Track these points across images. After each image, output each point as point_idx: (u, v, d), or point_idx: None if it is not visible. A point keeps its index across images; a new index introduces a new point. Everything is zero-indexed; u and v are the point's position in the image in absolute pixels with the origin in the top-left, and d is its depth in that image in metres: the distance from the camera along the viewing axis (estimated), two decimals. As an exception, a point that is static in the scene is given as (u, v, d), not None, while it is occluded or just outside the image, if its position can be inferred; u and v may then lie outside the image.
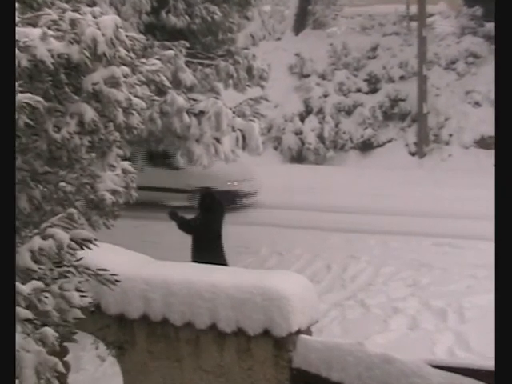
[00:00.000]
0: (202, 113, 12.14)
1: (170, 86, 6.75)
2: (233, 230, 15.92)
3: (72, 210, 4.79)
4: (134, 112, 5.31)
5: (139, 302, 7.36)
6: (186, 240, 12.11)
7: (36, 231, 4.54)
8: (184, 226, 12.00)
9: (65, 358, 8.28)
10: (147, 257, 8.15)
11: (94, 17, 5.52)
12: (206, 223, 11.92)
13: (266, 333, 6.88)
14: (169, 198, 18.15)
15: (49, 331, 4.32)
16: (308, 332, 7.12)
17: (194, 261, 11.11)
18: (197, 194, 13.99)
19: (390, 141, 25.16)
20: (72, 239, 4.57)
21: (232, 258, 12.49)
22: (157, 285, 7.30)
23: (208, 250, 11.67)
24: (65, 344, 8.05)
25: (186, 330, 7.27)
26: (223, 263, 11.56)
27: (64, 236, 4.54)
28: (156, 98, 6.45)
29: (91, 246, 5.05)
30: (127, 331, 7.62)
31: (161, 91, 8.72)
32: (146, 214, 17.13)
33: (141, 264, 7.70)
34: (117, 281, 5.08)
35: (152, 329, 7.47)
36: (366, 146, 25.26)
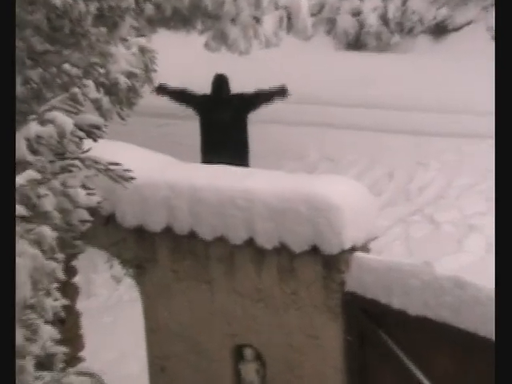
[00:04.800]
0: (239, -14, 11.99)
1: None
2: (274, 130, 15.88)
3: (76, 89, 4.69)
4: (151, -26, 5.20)
5: (162, 211, 7.36)
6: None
7: (33, 116, 4.47)
8: (181, 96, 12.40)
9: (73, 280, 8.34)
10: (170, 158, 8.10)
11: None
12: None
13: (314, 250, 6.85)
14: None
15: (45, 230, 4.27)
16: (365, 250, 7.07)
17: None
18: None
19: (468, 23, 24.70)
20: (77, 125, 4.50)
21: (273, 162, 12.47)
22: (183, 191, 7.26)
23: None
24: (72, 264, 8.14)
25: (218, 246, 7.28)
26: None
27: (67, 121, 4.46)
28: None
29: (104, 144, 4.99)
30: (147, 247, 7.67)
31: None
32: (171, 111, 17.08)
33: (163, 166, 7.67)
34: (131, 178, 5.02)
35: (177, 244, 7.51)
36: (439, 30, 24.82)
